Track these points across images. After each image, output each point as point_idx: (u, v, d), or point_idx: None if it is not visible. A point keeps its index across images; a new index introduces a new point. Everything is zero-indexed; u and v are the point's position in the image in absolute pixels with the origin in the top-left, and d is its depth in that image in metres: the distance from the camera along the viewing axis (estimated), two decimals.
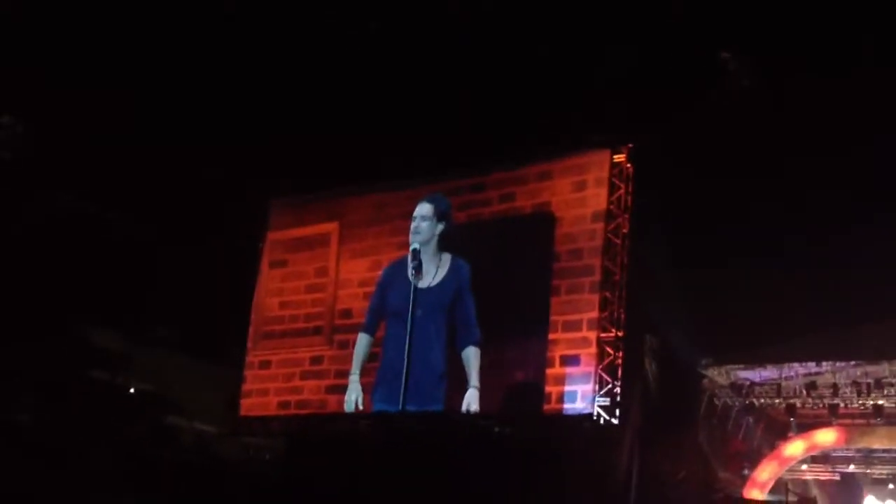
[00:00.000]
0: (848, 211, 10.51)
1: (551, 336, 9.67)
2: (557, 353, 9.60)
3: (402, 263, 10.43)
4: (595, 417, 9.28)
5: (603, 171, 9.94)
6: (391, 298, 10.37)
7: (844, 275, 10.84)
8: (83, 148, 11.95)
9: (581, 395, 9.34)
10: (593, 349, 9.40)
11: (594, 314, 9.48)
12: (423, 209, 10.28)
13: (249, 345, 12.08)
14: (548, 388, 9.56)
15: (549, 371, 9.59)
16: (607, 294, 9.55)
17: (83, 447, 10.86)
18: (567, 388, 9.42)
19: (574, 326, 9.56)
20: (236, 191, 12.23)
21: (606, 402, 9.30)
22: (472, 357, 9.87)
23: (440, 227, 10.24)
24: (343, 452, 10.52)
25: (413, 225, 10.19)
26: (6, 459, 9.72)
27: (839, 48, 9.48)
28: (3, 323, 11.39)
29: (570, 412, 9.41)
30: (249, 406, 11.85)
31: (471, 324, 9.98)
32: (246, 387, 11.91)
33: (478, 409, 9.72)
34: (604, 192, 9.87)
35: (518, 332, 9.96)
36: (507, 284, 10.10)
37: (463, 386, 9.84)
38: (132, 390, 14.03)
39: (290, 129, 11.63)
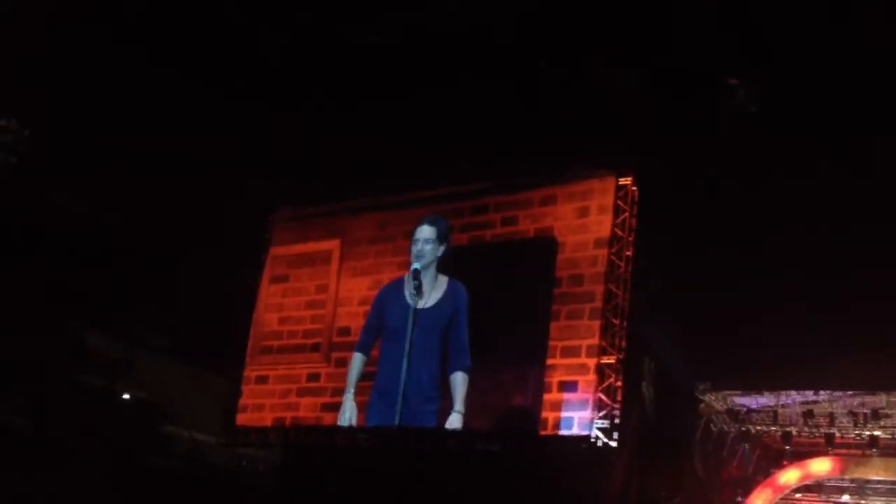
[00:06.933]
0: (849, 241, 10.54)
1: (549, 361, 9.64)
2: (555, 378, 9.58)
3: (399, 283, 10.46)
4: (593, 440, 9.27)
5: (606, 198, 9.93)
6: (388, 318, 10.26)
7: (843, 305, 10.86)
8: (89, 153, 12.00)
9: (578, 421, 9.31)
10: (591, 376, 9.37)
11: (593, 340, 9.46)
12: (426, 232, 10.14)
13: (247, 359, 12.03)
14: (544, 414, 9.54)
15: (546, 396, 9.57)
16: (609, 316, 9.56)
17: (77, 451, 10.88)
18: (564, 414, 9.39)
19: (573, 352, 9.54)
20: (241, 204, 12.28)
21: (605, 424, 9.27)
22: (459, 382, 9.76)
23: (441, 249, 10.12)
24: (338, 467, 10.52)
25: (416, 249, 10.05)
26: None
27: None
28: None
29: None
30: (245, 421, 11.79)
31: (462, 349, 9.87)
32: (242, 401, 11.86)
33: None
34: (607, 217, 9.86)
35: (516, 356, 9.93)
36: (507, 308, 10.08)
37: (449, 410, 9.77)
38: (128, 396, 14.07)
39: (296, 143, 11.71)
